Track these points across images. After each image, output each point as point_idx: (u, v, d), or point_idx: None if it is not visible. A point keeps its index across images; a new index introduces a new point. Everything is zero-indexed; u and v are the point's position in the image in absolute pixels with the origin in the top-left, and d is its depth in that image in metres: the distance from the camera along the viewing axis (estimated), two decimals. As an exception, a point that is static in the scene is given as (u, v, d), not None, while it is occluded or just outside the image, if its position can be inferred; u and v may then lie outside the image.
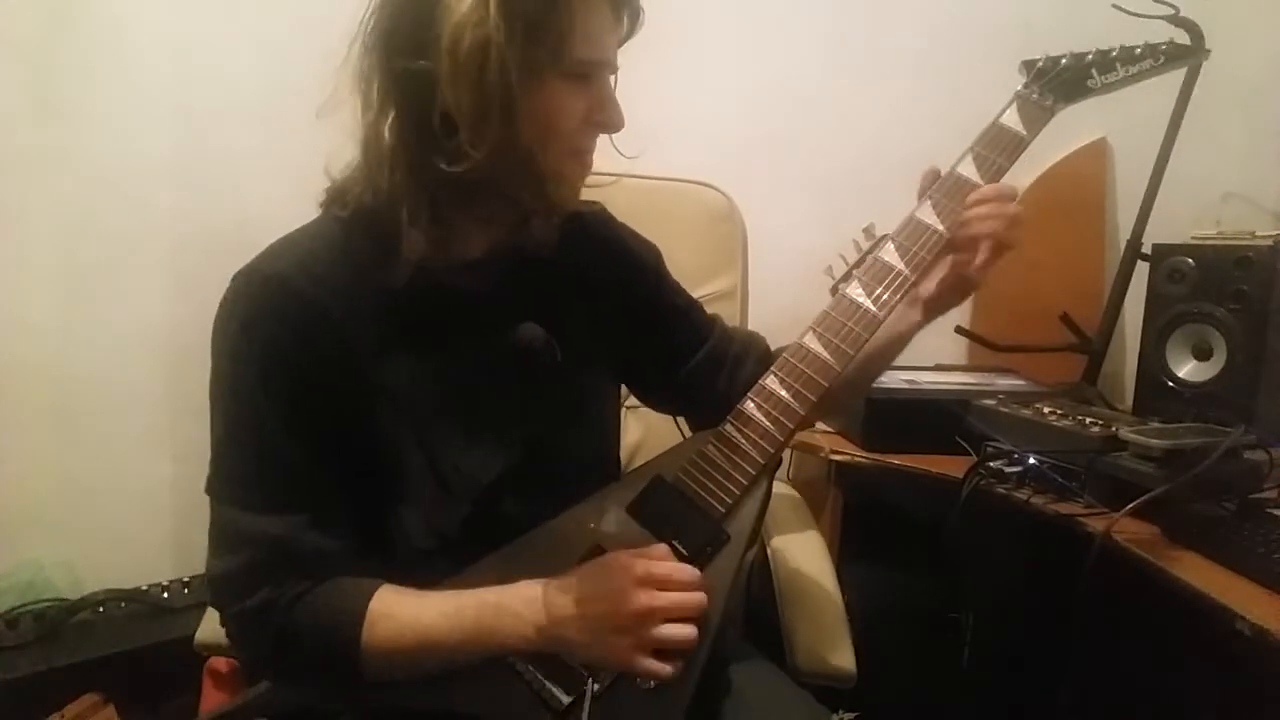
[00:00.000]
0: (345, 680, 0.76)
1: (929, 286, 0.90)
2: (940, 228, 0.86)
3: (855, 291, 0.86)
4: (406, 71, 0.72)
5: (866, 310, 0.85)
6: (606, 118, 0.79)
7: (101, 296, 1.68)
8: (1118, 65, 0.92)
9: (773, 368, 0.86)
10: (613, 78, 0.81)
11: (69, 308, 1.67)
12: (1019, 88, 0.92)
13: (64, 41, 1.59)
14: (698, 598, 0.75)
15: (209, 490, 0.79)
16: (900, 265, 0.86)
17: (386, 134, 0.76)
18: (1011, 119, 0.90)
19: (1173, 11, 1.43)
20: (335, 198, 0.81)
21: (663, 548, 0.78)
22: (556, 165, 0.78)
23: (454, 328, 0.82)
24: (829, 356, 0.84)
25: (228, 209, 1.66)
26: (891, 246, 0.87)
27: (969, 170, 0.88)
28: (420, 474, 0.80)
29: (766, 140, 1.74)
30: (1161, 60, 0.94)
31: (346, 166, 0.80)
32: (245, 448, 0.77)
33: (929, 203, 0.88)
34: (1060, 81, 0.91)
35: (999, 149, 0.88)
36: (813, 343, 0.85)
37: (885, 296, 0.85)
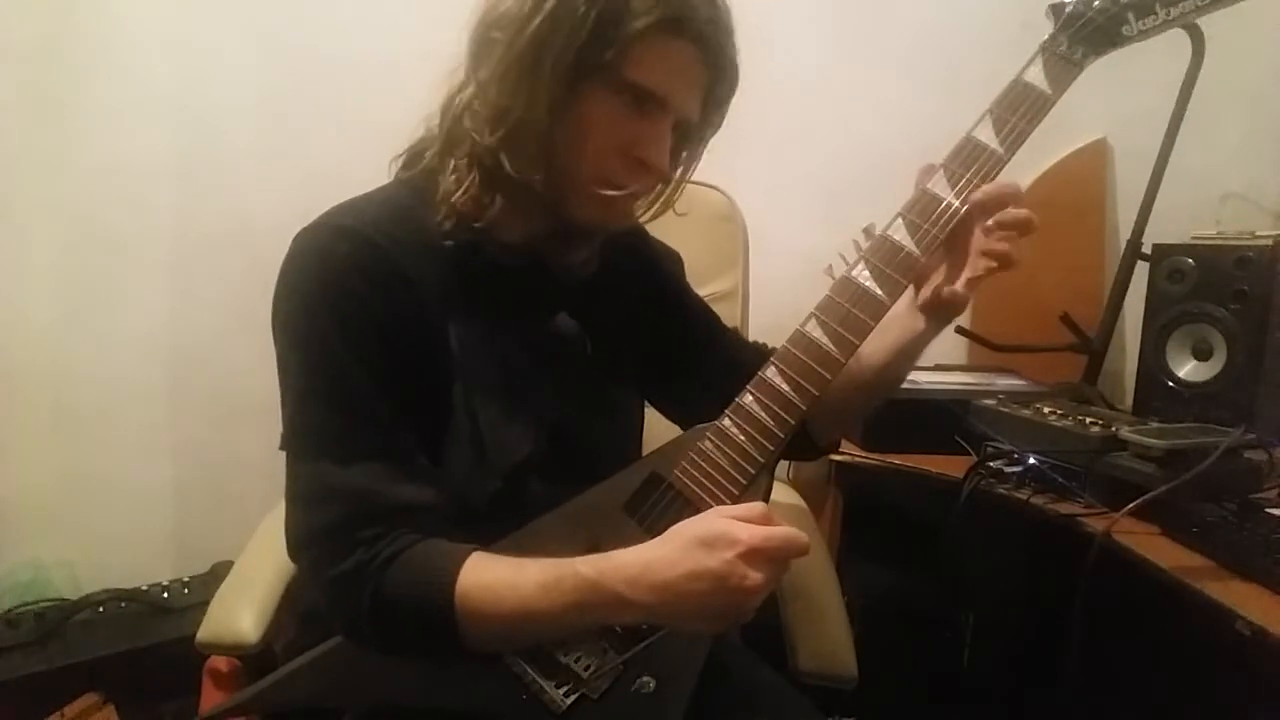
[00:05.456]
0: (446, 646, 0.73)
1: (925, 292, 0.85)
2: (955, 202, 0.78)
3: (861, 274, 0.79)
4: (474, 34, 0.78)
5: (873, 295, 0.78)
6: (649, 155, 0.78)
7: (101, 296, 1.68)
8: (1158, 7, 0.80)
9: (773, 359, 0.80)
10: (703, 138, 0.83)
11: (69, 307, 1.67)
12: (1044, 39, 0.81)
13: (64, 41, 1.59)
14: (799, 552, 0.69)
15: (286, 447, 0.77)
16: (910, 245, 0.79)
17: (455, 94, 0.80)
18: (1035, 75, 0.80)
19: (1173, 11, 1.43)
20: (414, 153, 0.84)
21: (759, 506, 0.70)
22: (582, 183, 0.78)
23: (501, 304, 0.83)
24: (832, 346, 0.78)
25: (228, 209, 1.66)
26: (901, 224, 0.80)
27: (986, 134, 0.80)
28: (462, 441, 0.80)
29: (766, 140, 1.73)
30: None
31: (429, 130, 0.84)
32: (325, 398, 0.75)
33: (942, 173, 0.80)
34: (1092, 29, 0.80)
35: (1020, 111, 0.79)
36: (815, 330, 0.79)
37: (893, 279, 0.78)
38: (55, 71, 1.60)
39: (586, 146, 0.77)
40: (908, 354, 0.88)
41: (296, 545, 0.77)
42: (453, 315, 0.80)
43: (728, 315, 1.08)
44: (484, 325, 0.82)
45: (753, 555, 0.66)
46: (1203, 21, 1.43)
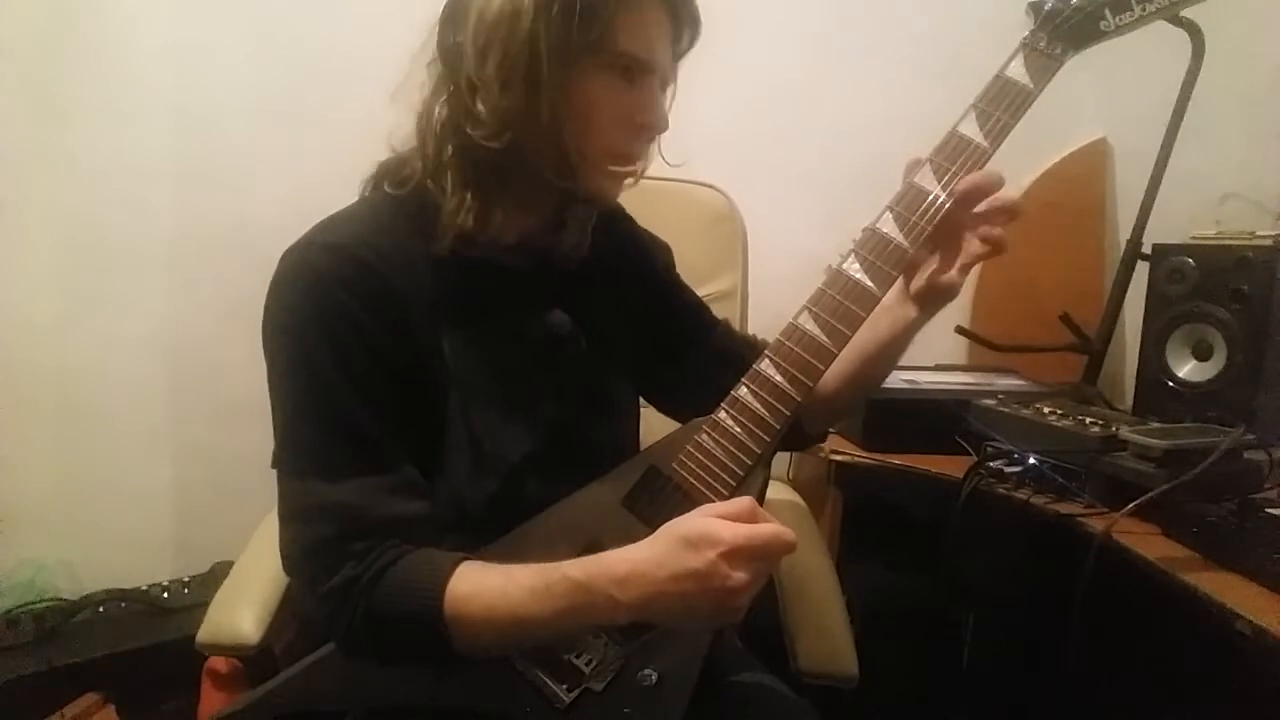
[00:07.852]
0: (440, 656, 0.73)
1: (919, 281, 0.85)
2: (941, 194, 0.80)
3: (852, 267, 0.81)
4: (453, 44, 0.77)
5: (864, 287, 0.80)
6: (649, 119, 0.81)
7: (101, 296, 1.68)
8: (1134, 2, 0.82)
9: (766, 351, 0.81)
10: (669, 90, 0.84)
11: (69, 308, 1.67)
12: (1025, 35, 0.84)
13: (64, 41, 1.59)
14: (785, 549, 0.69)
15: (277, 465, 0.78)
16: (899, 237, 0.80)
17: (436, 109, 0.79)
18: (1017, 71, 0.82)
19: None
20: (389, 173, 0.83)
21: (746, 503, 0.70)
22: (594, 161, 0.80)
23: (493, 306, 0.84)
24: (825, 338, 0.79)
25: (228, 209, 1.66)
26: (889, 216, 0.82)
27: (970, 129, 0.82)
28: (460, 447, 0.81)
29: (766, 140, 1.73)
30: None
31: (405, 142, 0.83)
32: (314, 417, 0.76)
33: (929, 167, 0.82)
34: (1071, 25, 0.82)
35: (1003, 104, 0.82)
36: (808, 323, 0.80)
37: (883, 271, 0.80)
38: (55, 71, 1.60)
39: (591, 125, 0.78)
40: (898, 343, 0.89)
41: (289, 562, 0.78)
42: (444, 325, 0.80)
43: (727, 315, 1.08)
44: (476, 331, 0.82)
45: (735, 555, 0.66)
46: (1203, 21, 1.44)
